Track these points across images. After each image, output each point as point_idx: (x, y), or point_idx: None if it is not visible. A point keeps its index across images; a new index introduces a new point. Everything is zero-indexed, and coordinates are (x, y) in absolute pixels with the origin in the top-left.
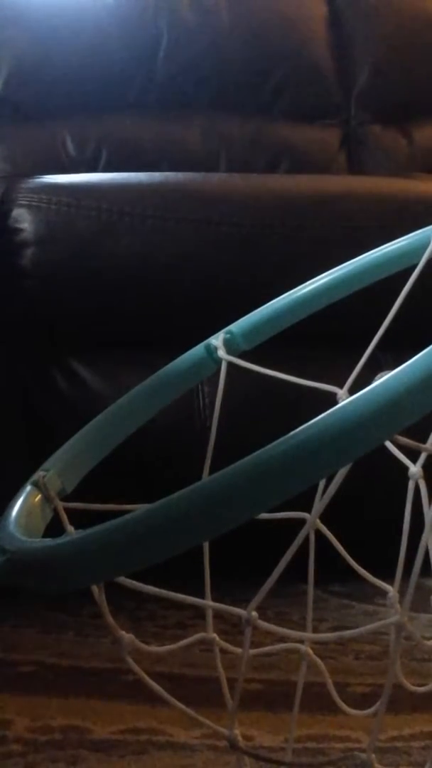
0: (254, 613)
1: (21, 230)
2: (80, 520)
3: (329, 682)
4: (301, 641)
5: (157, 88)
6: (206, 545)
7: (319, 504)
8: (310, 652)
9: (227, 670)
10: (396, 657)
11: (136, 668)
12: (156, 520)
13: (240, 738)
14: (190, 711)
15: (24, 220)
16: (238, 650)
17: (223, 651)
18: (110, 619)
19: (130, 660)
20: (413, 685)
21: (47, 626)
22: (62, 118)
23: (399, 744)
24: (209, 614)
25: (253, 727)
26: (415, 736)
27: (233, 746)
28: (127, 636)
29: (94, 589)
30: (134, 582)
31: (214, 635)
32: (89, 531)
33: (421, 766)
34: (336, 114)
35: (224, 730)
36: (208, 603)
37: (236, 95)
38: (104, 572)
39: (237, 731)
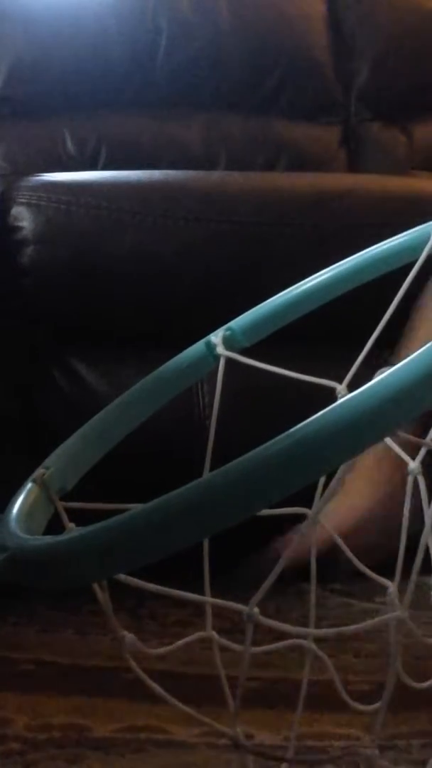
0: (256, 609)
1: (20, 228)
2: (81, 517)
3: (336, 677)
4: (304, 637)
5: (156, 86)
6: (206, 542)
7: (321, 500)
8: (314, 647)
9: (228, 668)
10: (396, 654)
11: (137, 668)
12: (156, 517)
13: (242, 736)
14: (189, 710)
15: (23, 218)
16: (239, 647)
17: (224, 649)
18: (113, 618)
19: (130, 660)
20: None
21: (47, 624)
22: (62, 116)
23: (399, 742)
24: (209, 611)
25: (253, 726)
26: (415, 734)
27: (236, 744)
28: (128, 635)
29: (97, 588)
30: (135, 579)
31: (213, 633)
32: (89, 528)
33: (421, 764)
34: (336, 112)
35: (227, 729)
36: (208, 599)
37: (236, 93)
38: (105, 570)
39: (239, 729)
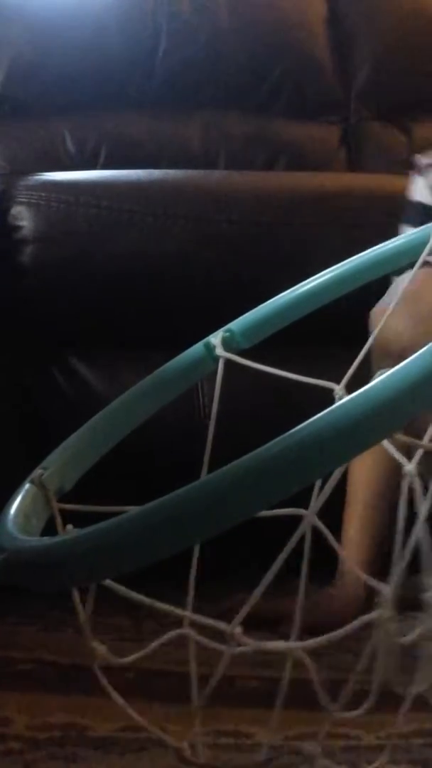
0: (238, 629)
1: (20, 228)
2: (79, 517)
3: (317, 680)
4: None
5: (156, 85)
6: (196, 548)
7: (317, 501)
8: (304, 655)
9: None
10: (383, 654)
11: (102, 678)
12: (153, 519)
13: (188, 749)
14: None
15: (23, 217)
16: (220, 647)
17: (204, 648)
18: (87, 628)
19: (98, 671)
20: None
21: (47, 624)
22: (61, 116)
23: (399, 741)
24: (186, 620)
25: (253, 725)
26: (415, 733)
27: (180, 758)
28: (100, 647)
29: (76, 599)
30: (121, 587)
31: (189, 631)
32: (86, 530)
33: (420, 763)
34: (336, 111)
35: (173, 741)
36: (188, 614)
37: (236, 92)
38: (101, 571)
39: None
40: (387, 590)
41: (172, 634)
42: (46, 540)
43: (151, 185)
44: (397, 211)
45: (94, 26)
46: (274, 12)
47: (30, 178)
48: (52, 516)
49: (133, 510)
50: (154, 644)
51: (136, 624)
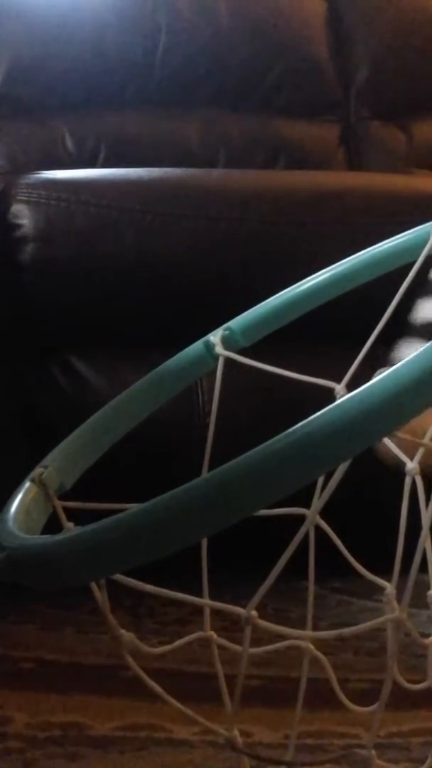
0: (254, 612)
1: (20, 226)
2: (79, 516)
3: (333, 678)
4: (302, 639)
5: (156, 84)
6: (204, 542)
7: (319, 500)
8: (312, 648)
9: (227, 666)
10: (394, 654)
11: (136, 667)
12: (154, 516)
13: (239, 738)
14: (187, 710)
15: (23, 216)
16: (237, 647)
17: (223, 647)
18: (110, 617)
19: (129, 658)
20: (412, 681)
21: (47, 623)
22: (61, 115)
23: (399, 740)
24: (207, 612)
25: (252, 724)
26: (414, 732)
27: (233, 747)
28: (126, 634)
29: (95, 587)
30: (132, 580)
31: (212, 633)
32: (87, 528)
33: (420, 762)
34: (335, 110)
35: (224, 731)
36: (206, 602)
37: (235, 91)
38: (102, 569)
39: (236, 731)
40: (390, 588)
41: (194, 636)
42: (47, 538)
43: (150, 184)
44: (397, 211)
45: (94, 24)
46: (274, 11)
47: (30, 176)
48: (52, 514)
49: (134, 507)
50: (178, 642)
51: (135, 623)
